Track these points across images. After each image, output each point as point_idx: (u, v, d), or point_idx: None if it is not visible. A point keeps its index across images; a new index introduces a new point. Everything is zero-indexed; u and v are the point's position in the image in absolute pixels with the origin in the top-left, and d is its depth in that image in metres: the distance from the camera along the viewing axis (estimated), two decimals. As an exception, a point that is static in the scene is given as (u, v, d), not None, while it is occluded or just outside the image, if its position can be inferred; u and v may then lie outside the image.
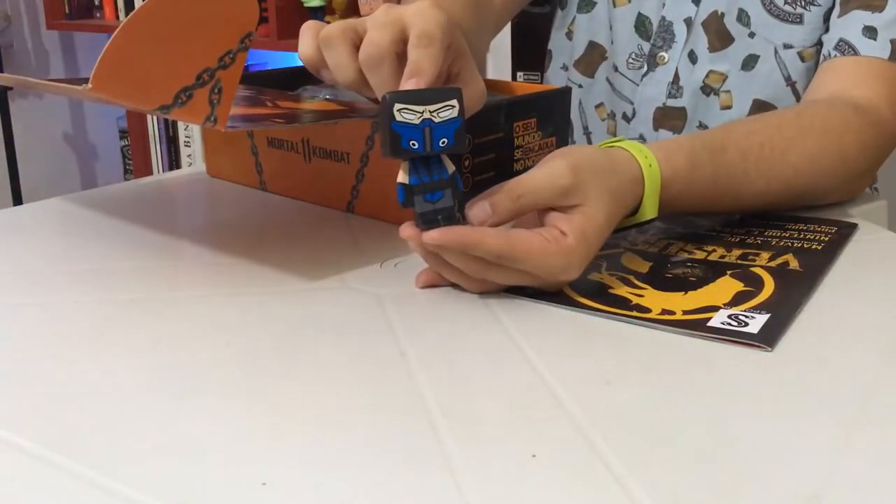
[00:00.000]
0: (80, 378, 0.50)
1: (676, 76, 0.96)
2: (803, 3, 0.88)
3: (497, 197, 0.57)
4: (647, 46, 0.98)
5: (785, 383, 0.49)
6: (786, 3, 0.89)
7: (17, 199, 2.60)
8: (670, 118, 0.97)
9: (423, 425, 0.44)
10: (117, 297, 0.61)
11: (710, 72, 0.94)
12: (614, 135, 1.02)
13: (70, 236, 0.76)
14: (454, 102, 0.56)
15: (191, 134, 2.52)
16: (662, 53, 0.97)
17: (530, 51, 1.38)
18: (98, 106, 2.71)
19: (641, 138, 0.98)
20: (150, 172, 2.58)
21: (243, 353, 0.53)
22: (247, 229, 0.78)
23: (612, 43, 1.01)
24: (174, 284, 0.64)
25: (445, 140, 0.56)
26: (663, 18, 0.96)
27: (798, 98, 0.91)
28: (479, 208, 0.58)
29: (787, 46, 0.90)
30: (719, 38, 0.93)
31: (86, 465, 0.41)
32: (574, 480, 0.40)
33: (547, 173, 0.58)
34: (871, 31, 0.81)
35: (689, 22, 0.94)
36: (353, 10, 1.99)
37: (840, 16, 0.84)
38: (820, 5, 0.87)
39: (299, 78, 0.98)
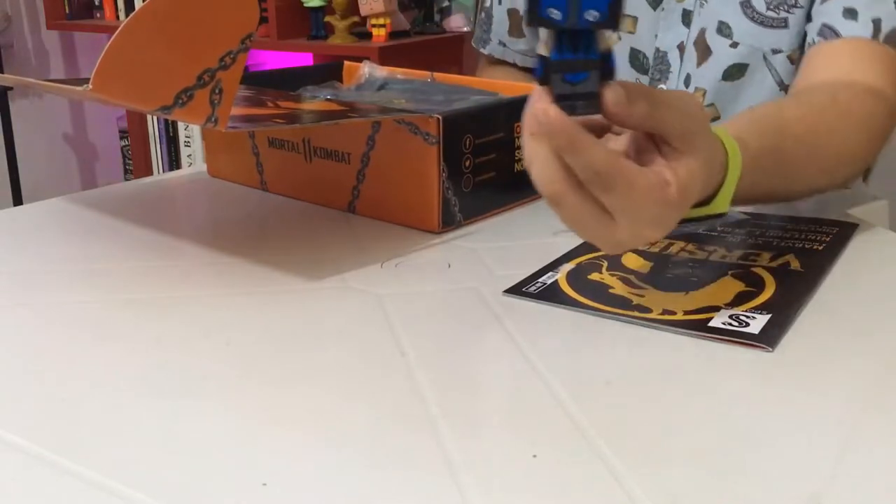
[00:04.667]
0: (80, 378, 0.50)
1: None
2: (786, 6, 0.88)
3: (636, 90, 0.49)
4: (645, 80, 0.98)
5: (785, 383, 0.49)
6: (768, 9, 0.89)
7: (18, 199, 2.60)
8: None
9: (423, 425, 0.44)
10: (117, 297, 0.61)
11: (695, 90, 0.95)
12: None
13: (70, 236, 0.76)
14: None
15: (191, 134, 2.52)
16: (661, 86, 0.97)
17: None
18: (98, 106, 2.71)
19: None
20: (150, 172, 2.58)
21: (243, 353, 0.53)
22: (247, 229, 0.78)
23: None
24: (174, 284, 0.64)
25: (596, 13, 0.46)
26: (657, 49, 0.96)
27: None
28: (614, 91, 0.48)
29: (775, 52, 0.90)
30: (702, 53, 0.94)
31: (85, 465, 0.41)
32: (574, 480, 0.40)
33: (683, 97, 0.52)
34: (851, 13, 0.81)
35: (681, 47, 0.95)
36: (353, 11, 1.99)
37: (822, 2, 0.85)
38: (802, 6, 0.87)
39: (300, 78, 0.98)
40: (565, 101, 0.48)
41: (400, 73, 0.98)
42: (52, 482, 0.40)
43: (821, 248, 0.68)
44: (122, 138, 2.76)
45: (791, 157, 0.66)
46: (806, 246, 0.68)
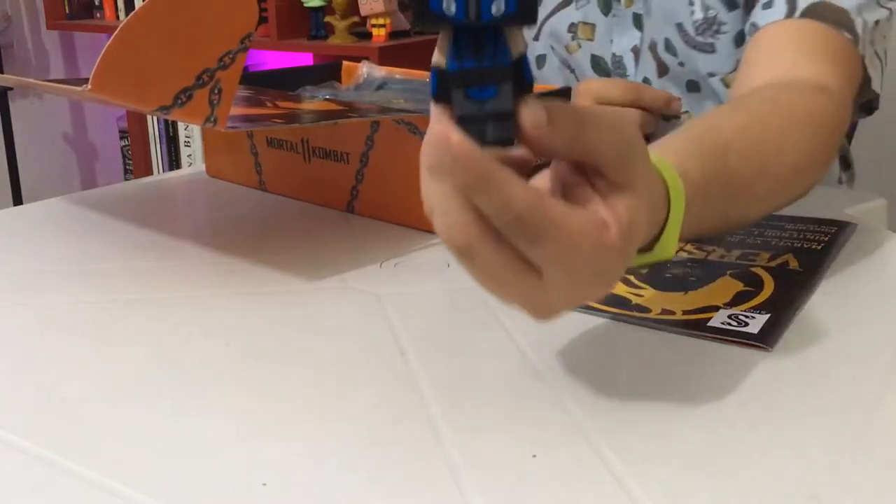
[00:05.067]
0: (79, 378, 0.50)
1: None
2: (711, 32, 0.88)
3: (559, 108, 0.39)
4: None
5: (785, 383, 0.49)
6: (697, 34, 0.89)
7: (18, 199, 2.60)
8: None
9: (422, 425, 0.44)
10: (117, 297, 0.61)
11: None
12: None
13: (70, 236, 0.76)
14: None
15: (191, 134, 2.52)
16: None
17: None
18: (98, 106, 2.71)
19: None
20: (150, 172, 2.58)
21: (243, 353, 0.53)
22: (247, 229, 0.78)
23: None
24: (174, 284, 0.64)
25: (502, 4, 0.35)
26: (614, 54, 0.97)
27: None
28: (531, 111, 0.38)
29: (710, 75, 0.90)
30: (659, 65, 0.94)
31: (85, 465, 0.41)
32: (574, 480, 0.40)
33: (617, 114, 0.42)
34: (768, 4, 0.79)
35: (636, 50, 0.95)
36: (353, 11, 1.99)
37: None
38: (726, 32, 0.87)
39: (299, 78, 0.98)
40: (471, 125, 0.37)
41: (399, 73, 0.98)
42: (51, 482, 0.40)
43: (820, 247, 0.68)
44: (122, 138, 2.76)
45: (739, 179, 0.56)
46: (805, 246, 0.68)
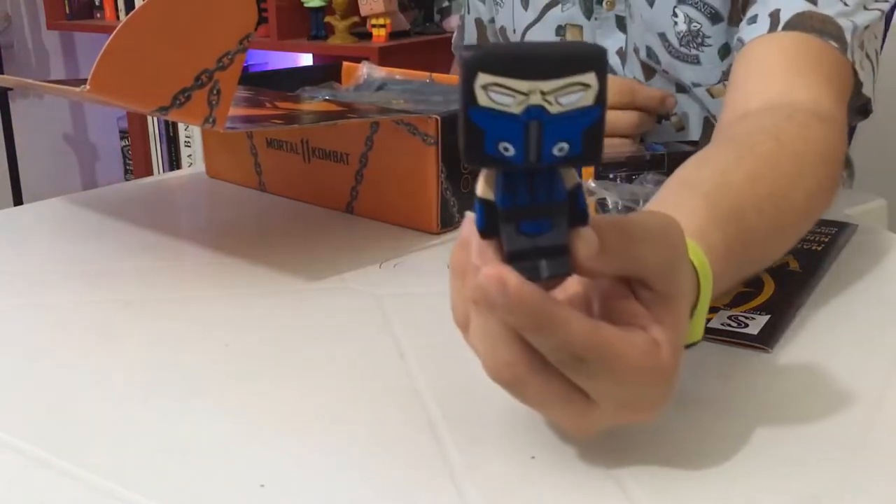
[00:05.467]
0: (79, 378, 0.50)
1: None
2: (695, 44, 0.87)
3: (609, 234, 0.37)
4: None
5: (784, 384, 0.49)
6: (681, 45, 0.88)
7: (18, 199, 2.60)
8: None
9: (423, 425, 0.44)
10: (117, 297, 0.62)
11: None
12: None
13: (70, 236, 0.76)
14: (590, 79, 0.32)
15: (191, 134, 2.53)
16: None
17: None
18: (98, 106, 2.71)
19: None
20: (150, 172, 2.58)
21: (243, 354, 0.53)
22: (246, 230, 0.78)
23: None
24: (174, 284, 0.64)
25: (565, 145, 0.33)
26: None
27: None
28: (585, 243, 0.36)
29: (695, 85, 0.90)
30: (645, 68, 0.94)
31: (85, 466, 0.41)
32: (573, 481, 0.40)
33: (661, 223, 0.40)
34: (752, 19, 0.77)
35: (621, 53, 0.95)
36: (353, 11, 1.99)
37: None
38: (710, 45, 0.86)
39: (298, 78, 0.98)
40: (523, 260, 0.35)
41: (398, 73, 0.98)
42: (51, 483, 0.40)
43: (820, 248, 0.68)
44: (122, 138, 2.76)
45: (755, 234, 0.54)
46: (805, 246, 0.68)
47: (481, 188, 0.35)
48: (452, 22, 2.14)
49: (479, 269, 0.35)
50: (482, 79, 0.31)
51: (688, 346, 0.43)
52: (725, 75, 0.86)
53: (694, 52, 0.87)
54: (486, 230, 0.35)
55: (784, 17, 0.74)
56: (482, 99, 0.32)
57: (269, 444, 0.43)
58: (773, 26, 0.74)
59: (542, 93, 0.32)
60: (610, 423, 0.39)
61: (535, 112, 0.32)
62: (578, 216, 0.35)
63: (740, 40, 0.78)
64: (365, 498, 0.39)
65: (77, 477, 0.41)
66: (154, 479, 0.40)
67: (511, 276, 0.34)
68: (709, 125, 0.92)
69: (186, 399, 0.48)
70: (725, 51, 0.86)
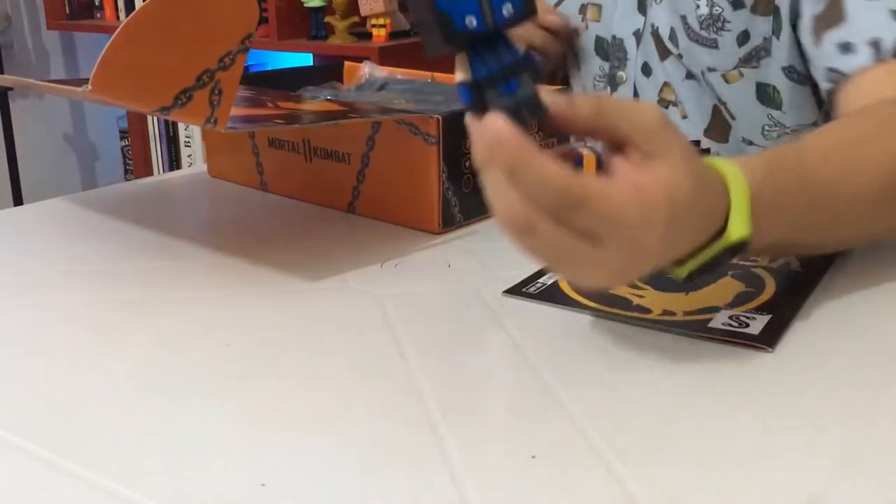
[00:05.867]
0: (79, 378, 0.50)
1: (636, 93, 0.98)
2: (714, 28, 0.88)
3: (579, 95, 0.46)
4: (607, 66, 1.00)
5: (785, 384, 0.49)
6: (701, 28, 0.89)
7: (18, 200, 2.60)
8: None
9: (423, 425, 0.44)
10: (117, 297, 0.61)
11: (665, 84, 0.95)
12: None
13: (70, 236, 0.76)
14: None
15: (191, 134, 2.53)
16: (621, 73, 0.99)
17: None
18: (98, 106, 2.71)
19: None
20: (150, 173, 2.58)
21: (243, 353, 0.53)
22: (247, 229, 0.78)
23: (578, 69, 1.04)
24: (174, 284, 0.64)
25: (510, 6, 0.43)
26: (614, 37, 0.98)
27: (730, 114, 0.92)
28: (557, 98, 0.45)
29: (710, 70, 0.90)
30: (661, 50, 0.94)
31: (85, 465, 0.41)
32: (574, 480, 0.40)
33: (635, 103, 0.47)
34: (846, 48, 0.77)
35: (637, 35, 0.96)
36: (353, 11, 1.99)
37: (817, 45, 0.81)
38: (730, 30, 0.87)
39: (300, 78, 0.98)
40: (509, 115, 0.43)
41: (400, 73, 0.98)
42: (51, 482, 0.40)
43: (821, 248, 0.67)
44: (122, 138, 2.76)
45: (818, 176, 0.55)
46: (806, 246, 0.68)
47: (459, 75, 0.44)
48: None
49: (482, 128, 0.43)
50: None
51: (736, 245, 0.49)
52: (741, 61, 0.88)
53: (713, 35, 0.88)
54: (475, 105, 0.44)
55: (888, 45, 0.74)
56: None
57: (270, 443, 0.43)
58: (878, 54, 0.75)
59: None
60: (623, 262, 0.44)
61: None
62: (536, 70, 0.45)
63: (835, 71, 0.77)
64: (365, 497, 0.39)
65: (78, 476, 0.41)
66: (154, 479, 0.40)
67: (499, 121, 0.42)
68: (718, 113, 0.93)
69: (187, 398, 0.48)
70: (744, 37, 0.87)
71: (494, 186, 0.43)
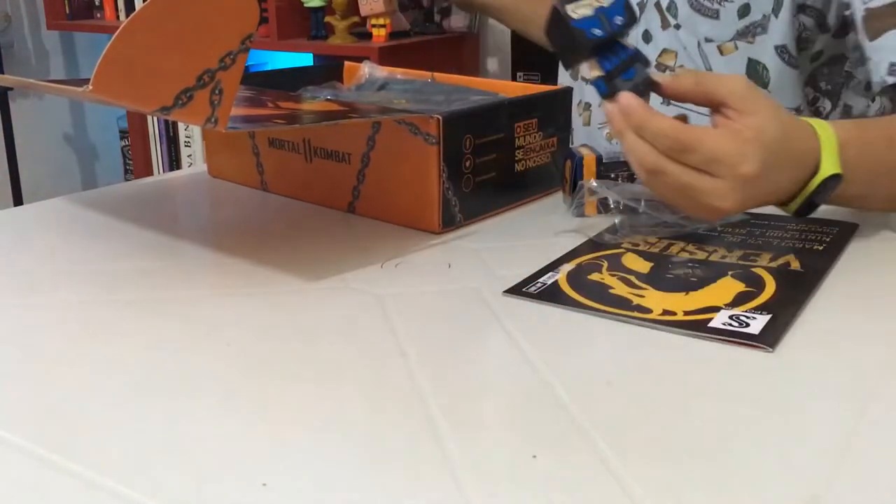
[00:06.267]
0: (79, 378, 0.50)
1: None
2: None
3: (679, 71, 0.64)
4: None
5: (786, 384, 0.49)
6: None
7: (18, 200, 2.60)
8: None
9: (423, 425, 0.44)
10: (117, 297, 0.61)
11: (664, 50, 0.97)
12: (588, 124, 1.04)
13: (70, 236, 0.76)
14: None
15: (191, 134, 2.53)
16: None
17: (530, 51, 1.38)
18: (98, 106, 2.71)
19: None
20: (150, 173, 2.58)
21: (244, 353, 0.53)
22: (248, 229, 0.78)
23: None
24: (174, 284, 0.64)
25: (620, 17, 0.62)
26: None
27: None
28: (659, 74, 0.63)
29: (708, 40, 0.92)
30: (662, 21, 0.96)
31: (85, 465, 0.41)
32: (574, 480, 0.40)
33: (725, 74, 0.62)
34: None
35: (641, 5, 0.97)
36: (353, 10, 1.99)
37: (872, 39, 0.81)
38: (733, 2, 0.89)
39: (300, 78, 0.98)
40: (634, 93, 0.62)
41: (400, 73, 0.98)
42: (51, 482, 0.40)
43: (821, 248, 0.68)
44: (122, 138, 2.76)
45: None
46: (806, 246, 0.68)
47: (592, 73, 0.63)
48: (452, 22, 2.14)
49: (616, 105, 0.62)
50: (569, 7, 0.62)
51: (829, 181, 0.64)
52: (738, 34, 0.90)
53: (715, 6, 0.90)
54: (608, 93, 0.63)
55: None
56: (574, 15, 0.62)
57: (271, 443, 0.43)
58: None
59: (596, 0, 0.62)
60: (732, 184, 0.59)
61: (598, 9, 0.62)
62: (645, 60, 0.64)
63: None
64: (366, 497, 0.39)
65: (77, 475, 0.41)
66: (155, 479, 0.40)
67: (627, 95, 0.62)
68: None
69: (187, 398, 0.48)
70: (745, 10, 0.89)
71: (629, 143, 0.61)
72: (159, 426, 0.45)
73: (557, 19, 0.62)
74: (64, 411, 0.47)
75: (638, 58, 0.63)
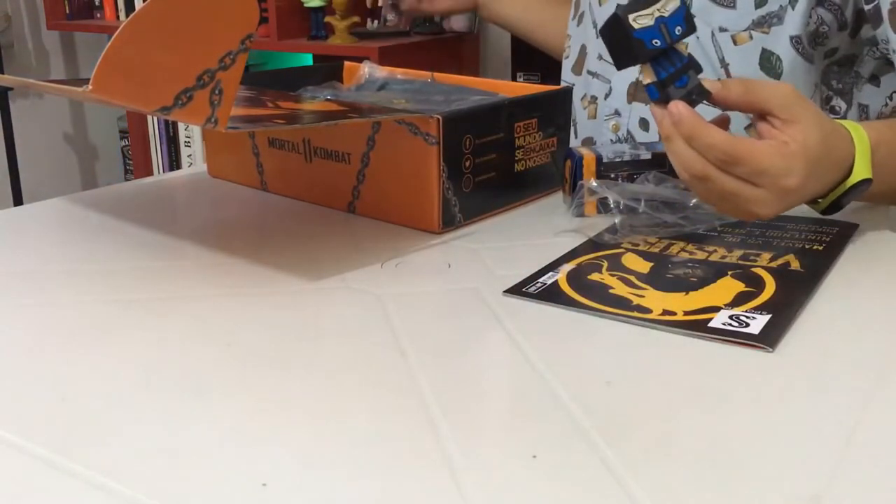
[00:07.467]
0: (79, 378, 0.50)
1: None
2: None
3: (728, 80, 0.65)
4: None
5: (786, 384, 0.49)
6: None
7: (18, 200, 2.60)
8: (642, 90, 0.99)
9: (423, 425, 0.44)
10: (117, 297, 0.61)
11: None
12: (594, 117, 1.04)
13: (70, 236, 0.76)
14: None
15: (191, 134, 2.53)
16: None
17: (530, 51, 1.38)
18: (98, 106, 2.71)
19: (616, 113, 1.00)
20: (150, 172, 2.58)
21: (243, 353, 0.53)
22: (248, 229, 0.78)
23: (596, 37, 1.04)
24: (174, 284, 0.64)
25: (680, 28, 0.63)
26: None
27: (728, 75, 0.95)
28: (711, 81, 0.64)
29: (722, 30, 0.92)
30: None
31: (85, 465, 0.41)
32: (574, 480, 0.40)
33: (772, 82, 0.65)
34: None
35: None
36: (353, 11, 1.99)
37: (895, 30, 0.82)
38: None
39: (300, 78, 0.98)
40: (686, 101, 0.63)
41: (400, 73, 0.98)
42: (51, 482, 0.40)
43: (821, 248, 0.68)
44: (122, 138, 2.76)
45: None
46: (806, 246, 0.68)
47: (647, 79, 0.64)
48: (452, 22, 2.14)
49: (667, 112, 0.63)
50: (632, 16, 0.62)
51: (859, 185, 0.67)
52: (754, 23, 0.89)
53: None
54: (661, 98, 0.64)
55: None
56: (636, 25, 0.62)
57: (271, 443, 0.43)
58: None
59: (658, 9, 0.62)
60: (773, 194, 0.62)
61: (659, 19, 0.62)
62: (698, 68, 0.64)
63: None
64: (366, 497, 0.39)
65: (78, 476, 0.41)
66: (155, 478, 0.40)
67: (680, 104, 0.63)
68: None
69: (187, 398, 0.48)
70: (762, 0, 0.89)
71: (678, 151, 0.63)
72: (160, 425, 0.45)
73: (618, 26, 0.62)
74: (64, 411, 0.47)
75: (692, 65, 0.64)
